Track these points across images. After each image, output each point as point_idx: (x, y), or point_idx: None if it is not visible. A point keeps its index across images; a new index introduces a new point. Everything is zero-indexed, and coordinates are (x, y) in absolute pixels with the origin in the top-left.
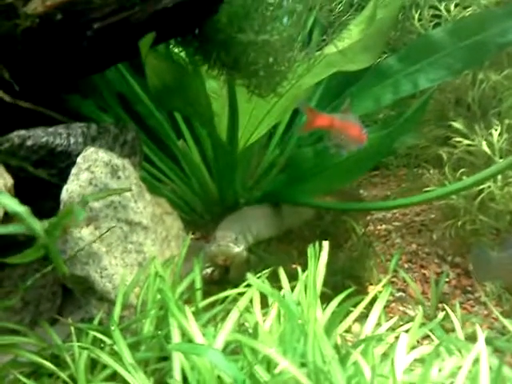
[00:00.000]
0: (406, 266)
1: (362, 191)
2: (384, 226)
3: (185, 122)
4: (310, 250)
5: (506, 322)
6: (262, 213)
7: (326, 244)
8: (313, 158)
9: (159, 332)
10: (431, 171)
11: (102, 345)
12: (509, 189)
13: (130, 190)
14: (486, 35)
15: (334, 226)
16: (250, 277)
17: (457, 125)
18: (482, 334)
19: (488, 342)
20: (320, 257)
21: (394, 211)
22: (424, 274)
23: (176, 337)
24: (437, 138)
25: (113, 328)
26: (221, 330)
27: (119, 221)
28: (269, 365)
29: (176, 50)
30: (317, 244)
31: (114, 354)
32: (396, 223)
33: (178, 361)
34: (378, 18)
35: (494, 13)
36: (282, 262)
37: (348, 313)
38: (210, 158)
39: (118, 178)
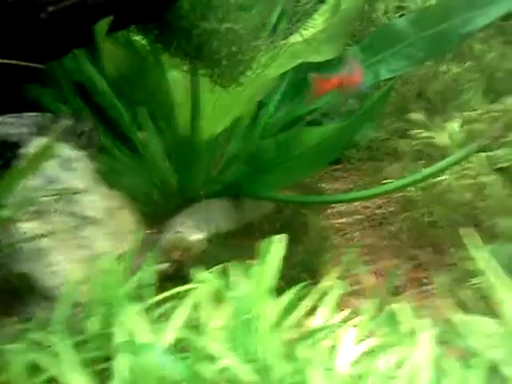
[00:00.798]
0: (363, 259)
1: (323, 185)
2: (344, 220)
3: (148, 112)
4: (264, 244)
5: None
6: (220, 206)
7: (281, 238)
8: (274, 150)
9: (107, 330)
10: (391, 163)
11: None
12: (465, 180)
13: (78, 192)
14: (448, 25)
15: (294, 219)
16: (199, 272)
17: (416, 116)
18: (425, 327)
19: (433, 334)
20: (274, 250)
21: (356, 204)
22: (380, 267)
23: (122, 335)
24: (397, 131)
25: (54, 328)
26: (169, 327)
27: (70, 215)
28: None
29: (137, 38)
30: (272, 238)
31: (57, 355)
32: (357, 216)
33: (122, 360)
34: (343, 8)
35: (457, 3)
36: (240, 256)
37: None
38: (171, 149)
39: (71, 170)
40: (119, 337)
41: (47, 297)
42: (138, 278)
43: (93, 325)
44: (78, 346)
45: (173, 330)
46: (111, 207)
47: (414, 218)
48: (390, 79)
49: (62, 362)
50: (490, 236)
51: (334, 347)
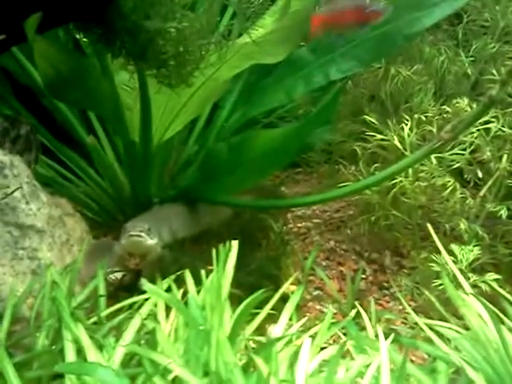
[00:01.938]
0: (323, 263)
1: (283, 189)
2: (303, 224)
3: (97, 116)
4: (218, 251)
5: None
6: (175, 211)
7: (235, 244)
8: (227, 154)
9: (53, 347)
10: (347, 167)
11: None
12: (419, 183)
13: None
14: (394, 26)
15: (252, 224)
16: (150, 283)
17: (370, 119)
18: (381, 333)
19: (395, 339)
20: (229, 257)
21: (314, 208)
22: (341, 271)
23: (70, 352)
24: (352, 134)
25: None
26: (120, 342)
27: (7, 224)
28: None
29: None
30: (226, 244)
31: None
32: (316, 220)
33: (69, 382)
34: (294, 10)
35: (402, 4)
36: (197, 263)
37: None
38: (122, 155)
39: (5, 176)
40: (67, 355)
41: None
42: (89, 289)
43: (39, 342)
44: (23, 364)
45: (124, 344)
46: (56, 215)
47: (372, 221)
48: (340, 80)
49: (4, 382)
50: (449, 238)
51: (293, 357)
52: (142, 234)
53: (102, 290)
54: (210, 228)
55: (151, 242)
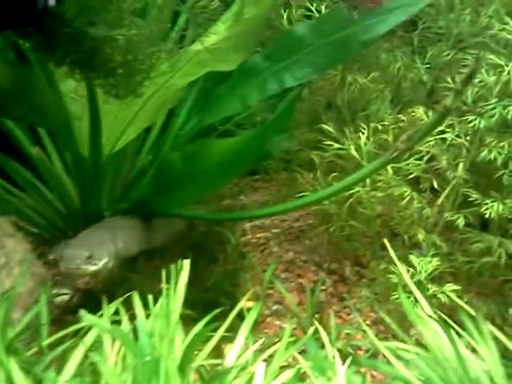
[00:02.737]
0: (282, 275)
1: (242, 197)
2: (262, 234)
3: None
4: (168, 271)
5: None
6: (126, 224)
7: (186, 263)
8: (180, 164)
9: None
10: (305, 176)
11: None
12: (375, 193)
13: None
14: (349, 32)
15: (208, 237)
16: (84, 315)
17: (327, 128)
18: (338, 356)
19: (354, 359)
20: (179, 277)
21: (273, 218)
22: (301, 283)
23: None
24: (309, 142)
25: None
26: (60, 377)
27: None
28: None
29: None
30: (177, 262)
31: None
32: (274, 230)
33: None
34: (248, 17)
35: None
36: (148, 283)
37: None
38: (71, 167)
39: None
40: None
41: None
42: (29, 316)
43: None
44: None
45: (65, 378)
46: None
47: (330, 231)
48: (296, 87)
49: None
50: (408, 248)
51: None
52: (81, 267)
53: (44, 317)
54: (164, 242)
55: (94, 268)
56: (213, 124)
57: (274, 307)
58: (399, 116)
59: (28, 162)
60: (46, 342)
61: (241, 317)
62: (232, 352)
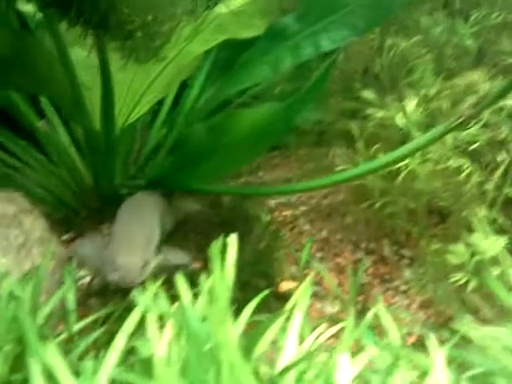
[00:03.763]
0: (317, 255)
1: (261, 174)
2: (289, 212)
3: (50, 100)
4: (213, 248)
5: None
6: (155, 203)
7: (233, 239)
8: (205, 137)
9: (16, 377)
10: (339, 149)
11: None
12: (428, 166)
13: None
14: None
15: (235, 214)
16: (138, 295)
17: (368, 94)
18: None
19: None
20: (226, 256)
21: (299, 194)
22: (338, 264)
23: (38, 381)
24: (346, 111)
25: None
26: (103, 365)
27: None
28: None
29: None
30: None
31: None
32: (302, 208)
33: None
34: None
35: None
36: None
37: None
38: (82, 142)
39: None
40: None
41: None
42: (54, 300)
43: None
44: None
45: (108, 368)
46: (10, 213)
47: (369, 208)
48: (331, 52)
49: None
50: (461, 228)
51: (318, 375)
52: (137, 280)
53: (71, 300)
54: (186, 220)
55: (147, 274)
56: (228, 97)
57: (313, 289)
58: (450, 82)
59: (33, 138)
60: (77, 327)
61: (278, 298)
62: (289, 340)
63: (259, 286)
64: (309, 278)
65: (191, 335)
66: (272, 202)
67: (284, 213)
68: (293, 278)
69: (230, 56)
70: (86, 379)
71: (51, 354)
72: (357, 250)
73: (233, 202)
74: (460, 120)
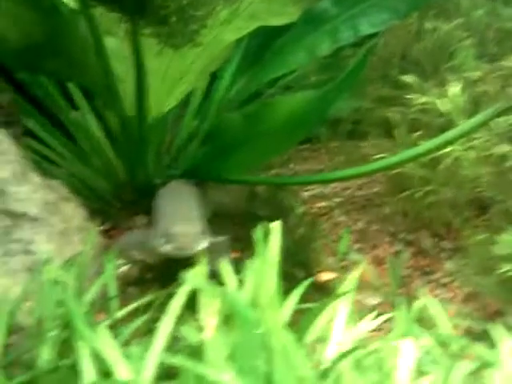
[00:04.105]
0: (355, 246)
1: (291, 166)
2: (324, 203)
3: (82, 89)
4: (258, 233)
5: None
6: (195, 192)
7: (276, 225)
8: (240, 126)
9: (63, 362)
10: (376, 137)
11: None
12: (472, 153)
13: None
14: None
15: (269, 205)
16: (189, 273)
17: (409, 79)
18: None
19: None
20: (269, 242)
21: (332, 186)
22: (376, 255)
23: (88, 368)
24: (383, 99)
25: None
26: (149, 350)
27: None
28: None
29: None
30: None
31: None
32: (336, 199)
33: None
34: None
35: None
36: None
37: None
38: (114, 132)
39: None
40: (84, 372)
41: None
42: (97, 287)
43: (43, 357)
44: None
45: (155, 353)
46: (51, 200)
47: (407, 198)
48: (370, 36)
49: None
50: (504, 218)
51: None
52: (195, 245)
53: (113, 288)
54: (221, 210)
55: (205, 245)
56: (259, 87)
57: None
58: (495, 65)
59: (65, 129)
60: (119, 314)
61: (316, 289)
62: (336, 330)
63: (297, 277)
64: (355, 269)
65: (240, 320)
66: (305, 194)
67: (318, 204)
68: (331, 269)
69: (262, 45)
70: (134, 363)
71: (101, 338)
72: (395, 242)
73: (266, 193)
74: (508, 105)
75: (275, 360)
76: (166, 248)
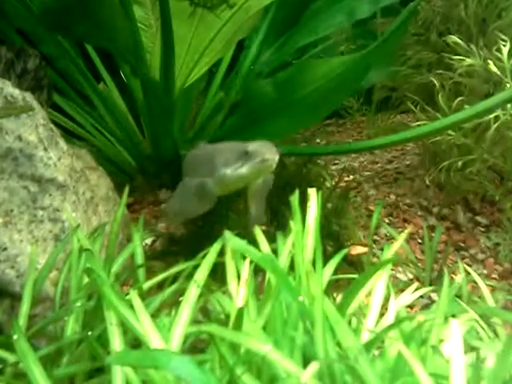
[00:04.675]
0: (386, 220)
1: (317, 140)
2: (352, 177)
3: (104, 62)
4: (293, 200)
5: None
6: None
7: (312, 192)
8: (272, 93)
9: (89, 333)
10: (414, 104)
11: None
12: None
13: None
14: None
15: (299, 176)
16: (228, 234)
17: (454, 40)
18: None
19: None
20: (309, 208)
21: (361, 160)
22: (410, 230)
23: (116, 339)
24: (422, 63)
25: (16, 337)
26: (177, 320)
27: (22, 178)
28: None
29: None
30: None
31: (20, 376)
32: (366, 173)
33: (121, 376)
34: None
35: None
36: (244, 222)
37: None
38: (139, 103)
39: (17, 115)
40: (113, 343)
41: (3, 292)
42: (124, 257)
43: (71, 326)
44: (52, 359)
45: (182, 322)
46: (78, 168)
47: (443, 170)
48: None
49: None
50: None
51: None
52: (272, 157)
53: (140, 259)
54: None
55: (278, 157)
56: (287, 58)
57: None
58: None
59: (88, 102)
60: (147, 285)
61: (347, 262)
62: (375, 302)
63: (328, 250)
64: (394, 246)
65: (279, 287)
66: (333, 168)
67: (347, 178)
68: (362, 243)
69: (291, 13)
70: (163, 336)
71: (131, 307)
72: (428, 216)
73: (295, 164)
74: None
75: (316, 330)
76: (247, 166)
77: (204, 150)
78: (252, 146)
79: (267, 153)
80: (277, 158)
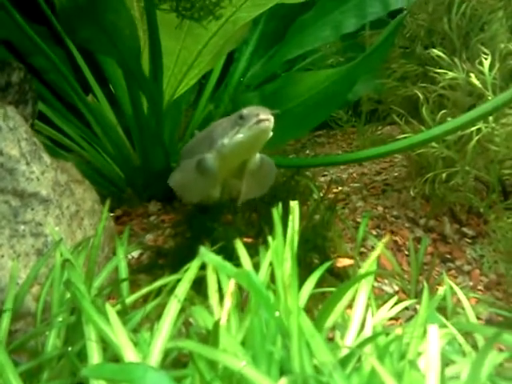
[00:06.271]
0: (373, 232)
1: (307, 152)
2: (341, 189)
3: (93, 74)
4: (275, 214)
5: None
6: None
7: (294, 205)
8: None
9: (70, 348)
10: (399, 117)
11: None
12: (505, 129)
13: None
14: None
15: (287, 189)
16: (205, 252)
17: (438, 53)
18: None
19: None
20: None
21: (350, 171)
22: (395, 241)
23: (95, 354)
24: (406, 76)
25: None
26: (156, 335)
27: (3, 192)
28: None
29: None
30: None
31: None
32: (354, 184)
33: None
34: None
35: None
36: (232, 233)
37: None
38: (128, 115)
39: None
40: (91, 357)
41: None
42: (108, 271)
43: (51, 342)
44: (32, 374)
45: (162, 338)
46: (62, 181)
47: (429, 182)
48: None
49: None
50: None
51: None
52: (272, 119)
53: (124, 272)
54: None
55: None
56: (275, 70)
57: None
58: None
59: (78, 114)
60: (130, 299)
61: (332, 274)
62: (355, 317)
63: (314, 262)
64: (373, 255)
65: (257, 302)
66: (321, 180)
67: (335, 190)
68: (348, 255)
69: (280, 26)
70: (143, 350)
71: (109, 322)
72: (415, 228)
73: (283, 177)
74: None
75: (292, 345)
76: (244, 130)
77: (200, 134)
78: (246, 110)
79: (261, 113)
80: (272, 119)
